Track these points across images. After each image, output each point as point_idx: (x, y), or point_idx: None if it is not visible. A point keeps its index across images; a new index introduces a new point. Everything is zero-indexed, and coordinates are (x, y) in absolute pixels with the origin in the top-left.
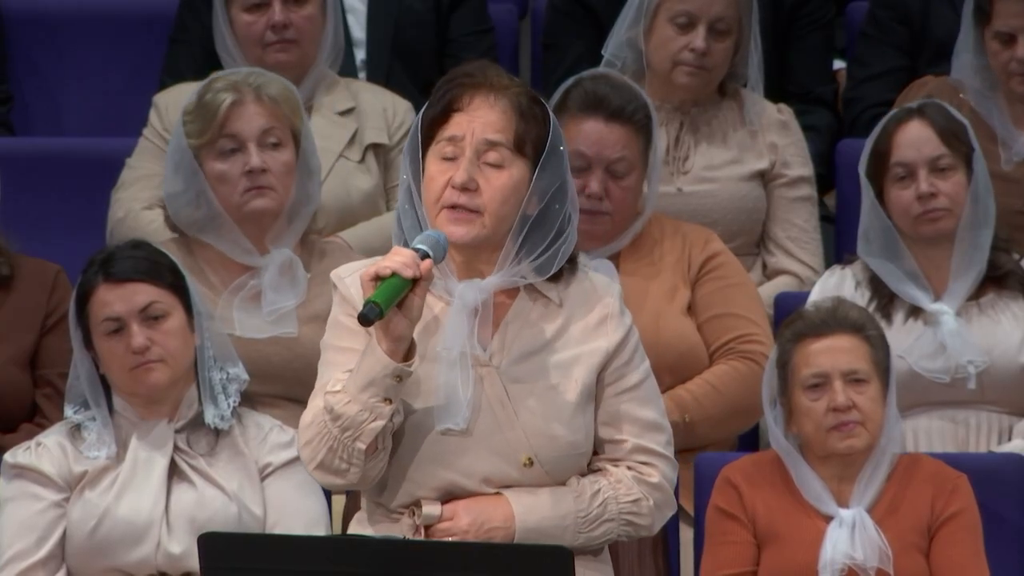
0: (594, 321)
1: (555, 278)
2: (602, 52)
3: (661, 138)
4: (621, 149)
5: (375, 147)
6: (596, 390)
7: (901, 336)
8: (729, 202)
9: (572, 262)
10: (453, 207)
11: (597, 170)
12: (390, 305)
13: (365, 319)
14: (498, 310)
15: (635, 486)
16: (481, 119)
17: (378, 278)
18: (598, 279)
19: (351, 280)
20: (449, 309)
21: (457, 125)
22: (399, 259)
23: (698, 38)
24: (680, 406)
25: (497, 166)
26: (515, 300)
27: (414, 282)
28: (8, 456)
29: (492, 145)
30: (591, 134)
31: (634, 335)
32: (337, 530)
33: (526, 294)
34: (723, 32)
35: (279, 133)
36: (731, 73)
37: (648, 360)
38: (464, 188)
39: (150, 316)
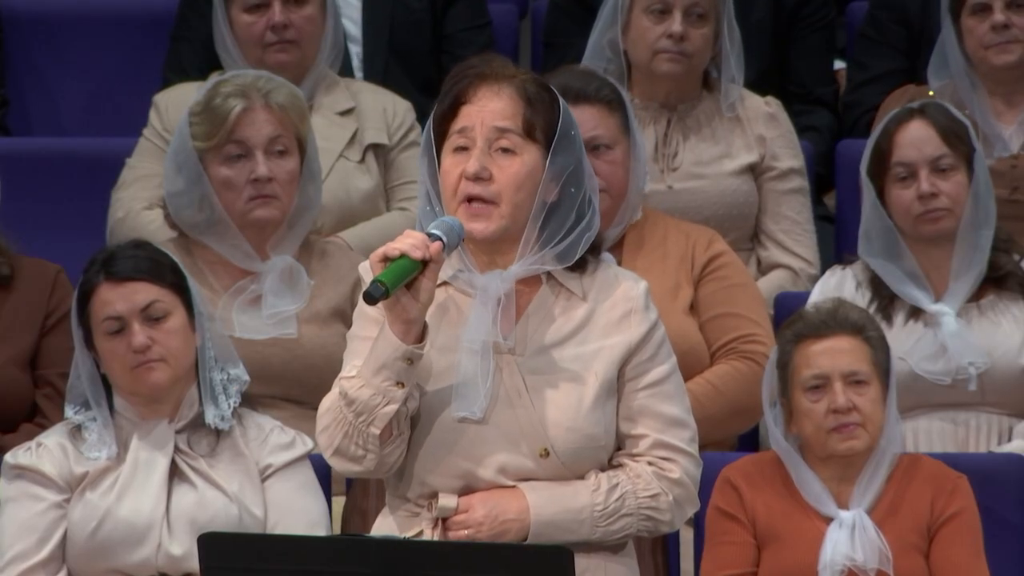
0: (617, 315)
1: (578, 269)
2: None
3: (649, 137)
4: (593, 128)
5: (375, 147)
6: (618, 385)
7: (902, 338)
8: (720, 197)
9: (595, 252)
10: (470, 200)
11: None
12: (397, 285)
13: (370, 297)
14: (520, 300)
15: (654, 481)
16: (489, 108)
17: (387, 259)
18: (623, 273)
19: None
20: (471, 302)
21: (466, 117)
22: (409, 241)
23: (675, 23)
24: None
25: (509, 151)
26: (537, 291)
27: (424, 264)
28: (9, 456)
29: (502, 132)
30: None
31: (659, 330)
32: (337, 531)
33: (548, 286)
34: (700, 17)
35: (286, 141)
36: (713, 66)
37: (675, 356)
38: (477, 177)
39: (151, 315)
